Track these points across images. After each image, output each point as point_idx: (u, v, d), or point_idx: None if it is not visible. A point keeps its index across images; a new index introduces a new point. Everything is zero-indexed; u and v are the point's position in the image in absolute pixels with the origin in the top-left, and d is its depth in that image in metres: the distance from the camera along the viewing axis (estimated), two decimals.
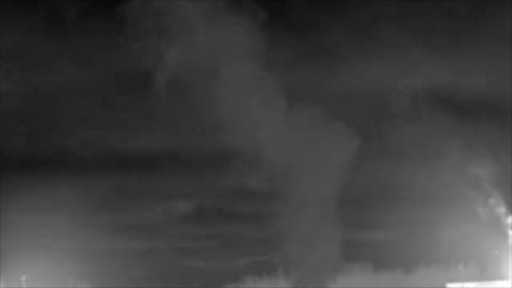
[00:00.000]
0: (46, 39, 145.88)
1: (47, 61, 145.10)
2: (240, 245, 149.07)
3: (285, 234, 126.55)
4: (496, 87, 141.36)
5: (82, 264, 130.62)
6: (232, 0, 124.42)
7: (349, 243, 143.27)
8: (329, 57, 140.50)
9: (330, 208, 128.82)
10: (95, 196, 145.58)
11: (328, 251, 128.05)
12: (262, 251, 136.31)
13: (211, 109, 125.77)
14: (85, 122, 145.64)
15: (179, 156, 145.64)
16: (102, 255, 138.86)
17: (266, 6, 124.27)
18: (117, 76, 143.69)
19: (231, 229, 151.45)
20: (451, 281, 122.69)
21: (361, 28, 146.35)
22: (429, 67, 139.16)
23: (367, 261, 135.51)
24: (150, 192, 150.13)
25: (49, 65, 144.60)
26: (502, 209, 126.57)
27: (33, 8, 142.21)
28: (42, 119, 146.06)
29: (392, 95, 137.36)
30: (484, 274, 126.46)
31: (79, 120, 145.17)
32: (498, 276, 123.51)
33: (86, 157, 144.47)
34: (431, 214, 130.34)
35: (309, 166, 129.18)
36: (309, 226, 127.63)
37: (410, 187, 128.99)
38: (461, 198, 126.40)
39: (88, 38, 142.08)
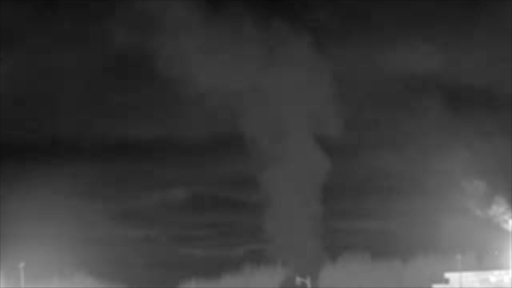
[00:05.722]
0: (39, 24, 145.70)
1: (39, 47, 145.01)
2: (238, 233, 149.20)
3: (279, 223, 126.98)
4: (493, 76, 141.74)
5: (80, 251, 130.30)
6: None
7: (347, 232, 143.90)
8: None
9: (320, 198, 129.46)
10: (94, 184, 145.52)
11: (317, 240, 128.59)
12: (259, 240, 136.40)
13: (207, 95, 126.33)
14: (83, 109, 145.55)
15: (177, 144, 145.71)
16: (100, 243, 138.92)
17: None
18: (115, 62, 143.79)
19: (228, 217, 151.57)
20: (449, 270, 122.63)
21: (356, 14, 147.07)
22: (423, 54, 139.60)
23: (364, 250, 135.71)
24: (148, 180, 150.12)
25: (42, 51, 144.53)
26: (499, 199, 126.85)
27: None
28: (40, 107, 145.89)
29: (386, 83, 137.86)
30: (482, 264, 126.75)
31: (78, 107, 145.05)
32: (496, 266, 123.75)
33: (85, 145, 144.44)
34: (429, 204, 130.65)
35: (301, 153, 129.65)
36: (301, 215, 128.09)
37: (409, 177, 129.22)
38: (459, 188, 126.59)
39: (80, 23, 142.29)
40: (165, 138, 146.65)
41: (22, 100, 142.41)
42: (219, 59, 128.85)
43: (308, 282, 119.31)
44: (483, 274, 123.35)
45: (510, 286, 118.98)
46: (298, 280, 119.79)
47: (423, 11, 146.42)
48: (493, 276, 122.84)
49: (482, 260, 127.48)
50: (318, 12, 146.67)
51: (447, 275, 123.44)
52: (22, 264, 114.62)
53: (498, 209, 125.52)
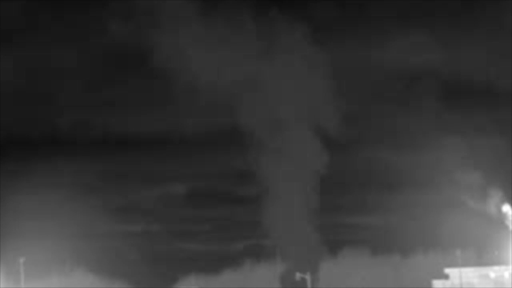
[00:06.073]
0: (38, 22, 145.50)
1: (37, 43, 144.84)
2: (237, 228, 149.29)
3: (278, 218, 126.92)
4: (493, 72, 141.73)
5: (80, 247, 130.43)
6: None
7: (347, 227, 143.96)
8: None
9: (320, 193, 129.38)
10: (94, 180, 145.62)
11: (317, 235, 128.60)
12: (259, 234, 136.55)
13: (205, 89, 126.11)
14: (82, 104, 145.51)
15: (176, 139, 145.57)
16: (100, 239, 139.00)
17: None
18: (114, 58, 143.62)
19: (228, 212, 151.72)
20: (449, 266, 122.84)
21: (355, 7, 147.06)
22: (423, 49, 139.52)
23: (364, 245, 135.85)
24: (148, 175, 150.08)
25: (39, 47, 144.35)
26: (498, 195, 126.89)
27: None
28: (39, 102, 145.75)
29: (385, 77, 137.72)
30: (482, 260, 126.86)
31: (76, 102, 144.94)
32: (496, 261, 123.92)
33: (84, 141, 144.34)
34: (429, 200, 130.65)
35: (301, 147, 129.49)
36: (300, 210, 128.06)
37: (409, 173, 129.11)
38: (459, 183, 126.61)
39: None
40: (165, 133, 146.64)
41: (22, 98, 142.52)
42: (218, 53, 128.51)
43: (308, 277, 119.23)
44: (483, 270, 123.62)
45: (510, 282, 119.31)
46: (298, 275, 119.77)
47: (423, 5, 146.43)
48: (493, 272, 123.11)
49: (482, 255, 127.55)
50: (318, 5, 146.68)
51: (447, 270, 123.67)
52: (22, 259, 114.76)
53: (492, 200, 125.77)
